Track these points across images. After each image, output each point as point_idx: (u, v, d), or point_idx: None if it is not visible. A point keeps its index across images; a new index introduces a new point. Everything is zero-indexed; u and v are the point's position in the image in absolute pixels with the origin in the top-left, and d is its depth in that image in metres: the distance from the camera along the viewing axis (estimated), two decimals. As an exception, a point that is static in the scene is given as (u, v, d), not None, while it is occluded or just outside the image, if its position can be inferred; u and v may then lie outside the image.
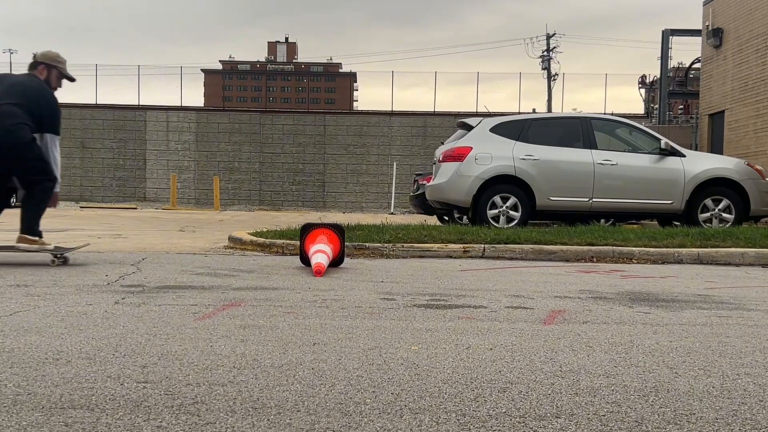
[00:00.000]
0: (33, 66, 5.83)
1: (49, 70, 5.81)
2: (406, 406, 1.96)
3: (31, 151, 5.59)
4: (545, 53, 42.62)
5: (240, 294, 4.00)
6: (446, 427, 1.79)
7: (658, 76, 28.98)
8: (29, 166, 5.64)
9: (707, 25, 22.01)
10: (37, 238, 5.63)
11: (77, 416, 1.81)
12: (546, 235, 7.21)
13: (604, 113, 24.22)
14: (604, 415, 1.90)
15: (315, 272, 4.87)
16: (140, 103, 34.24)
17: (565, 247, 6.75)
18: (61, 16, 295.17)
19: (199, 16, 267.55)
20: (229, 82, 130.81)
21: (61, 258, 5.47)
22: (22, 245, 5.57)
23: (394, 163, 30.58)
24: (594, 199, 9.63)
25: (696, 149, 20.80)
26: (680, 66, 33.62)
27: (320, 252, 5.14)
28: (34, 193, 5.76)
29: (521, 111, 31.03)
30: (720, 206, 9.67)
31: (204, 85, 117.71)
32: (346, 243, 5.69)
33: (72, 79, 6.02)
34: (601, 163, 9.62)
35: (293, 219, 15.31)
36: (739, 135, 20.16)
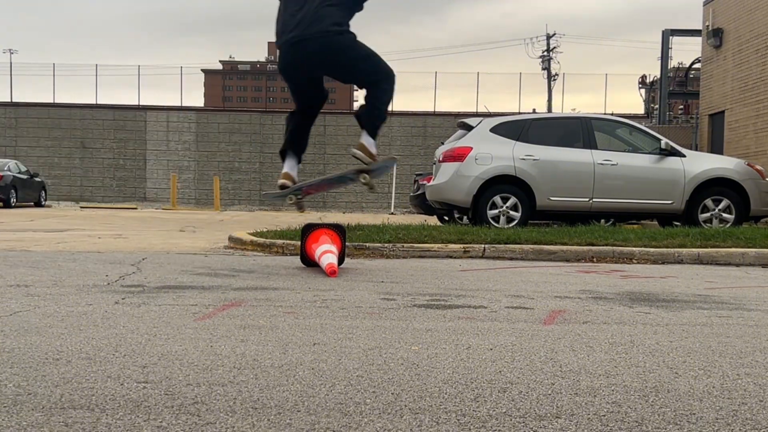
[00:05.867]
0: None
1: None
2: (406, 406, 1.96)
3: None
4: (545, 53, 42.62)
5: (240, 294, 4.00)
6: (446, 427, 1.79)
7: (658, 76, 28.98)
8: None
9: (707, 25, 22.00)
10: (375, 153, 5.12)
11: (77, 416, 1.81)
12: (546, 235, 7.21)
13: (604, 113, 24.22)
14: (604, 415, 1.90)
15: (329, 273, 4.87)
16: (140, 103, 34.25)
17: (565, 247, 6.75)
18: (60, 16, 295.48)
19: (200, 15, 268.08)
20: (229, 83, 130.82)
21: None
22: (358, 153, 5.10)
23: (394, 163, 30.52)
24: (594, 199, 9.63)
25: (696, 149, 20.80)
26: (680, 66, 33.60)
27: (328, 252, 5.15)
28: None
29: (521, 111, 31.04)
30: (720, 206, 9.68)
31: (204, 86, 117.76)
32: (346, 243, 5.69)
33: None
34: (601, 164, 9.62)
35: (293, 219, 15.30)
36: (739, 135, 20.17)
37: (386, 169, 5.53)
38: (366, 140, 5.14)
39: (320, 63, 5.06)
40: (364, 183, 5.13)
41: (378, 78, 5.17)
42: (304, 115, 5.52)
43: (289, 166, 5.48)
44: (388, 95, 5.22)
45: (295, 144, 5.50)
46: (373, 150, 5.11)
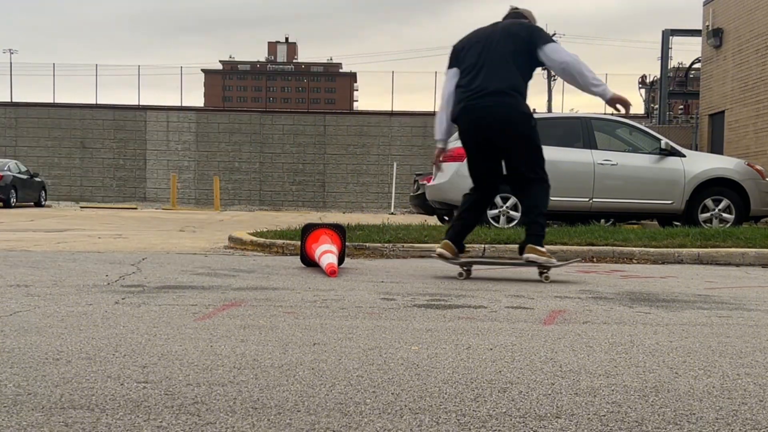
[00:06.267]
0: (516, 17, 5.18)
1: None
2: (406, 406, 1.96)
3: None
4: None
5: (240, 294, 4.00)
6: (446, 427, 1.79)
7: (658, 76, 28.99)
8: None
9: (707, 25, 22.00)
10: (545, 249, 4.98)
11: (77, 416, 1.81)
12: (546, 235, 7.20)
13: (604, 113, 24.23)
14: (604, 415, 1.90)
15: (329, 273, 4.87)
16: (140, 103, 34.27)
17: (565, 247, 6.75)
18: (61, 16, 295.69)
19: (200, 15, 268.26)
20: (229, 83, 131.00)
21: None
22: (531, 256, 4.91)
23: (394, 163, 30.58)
24: (594, 199, 9.64)
25: (696, 149, 20.80)
26: (680, 66, 33.62)
27: (329, 252, 5.15)
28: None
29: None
30: (720, 206, 9.68)
31: (204, 85, 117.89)
32: (346, 243, 5.69)
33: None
34: (601, 164, 9.62)
35: (293, 219, 15.31)
36: (739, 135, 20.17)
37: (566, 263, 5.34)
38: (536, 247, 4.94)
39: (499, 126, 4.90)
40: (544, 280, 4.94)
41: (539, 176, 5.02)
42: (477, 191, 5.26)
43: (452, 238, 5.15)
44: (545, 201, 5.08)
45: (460, 222, 5.20)
46: (544, 249, 4.98)
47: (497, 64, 4.91)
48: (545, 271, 4.98)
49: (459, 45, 5.20)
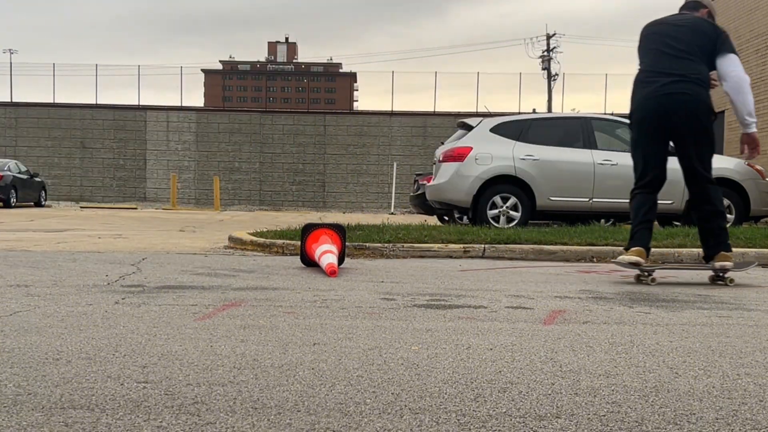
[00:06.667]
0: (695, 6, 5.14)
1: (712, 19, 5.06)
2: (406, 406, 1.96)
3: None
4: (545, 53, 42.63)
5: (240, 294, 4.00)
6: (446, 427, 1.79)
7: (658, 76, 28.92)
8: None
9: (707, 25, 21.95)
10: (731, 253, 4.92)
11: (77, 416, 1.81)
12: (546, 235, 7.21)
13: (604, 113, 24.23)
14: (604, 415, 1.90)
15: (329, 273, 4.87)
16: (140, 103, 34.26)
17: (565, 247, 6.75)
18: (60, 16, 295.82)
19: (200, 15, 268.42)
20: (229, 82, 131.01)
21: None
22: (727, 264, 4.88)
23: (394, 163, 30.58)
24: (594, 199, 9.63)
25: (696, 149, 20.74)
26: (680, 66, 33.44)
27: (329, 252, 5.15)
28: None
29: (521, 111, 31.04)
30: (720, 206, 9.66)
31: (204, 85, 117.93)
32: (346, 243, 5.70)
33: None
34: (601, 163, 9.62)
35: (293, 219, 15.32)
36: (739, 135, 20.13)
37: (747, 266, 5.32)
38: (729, 254, 4.92)
39: (686, 115, 4.85)
40: (729, 283, 4.92)
41: (710, 176, 4.99)
42: (648, 187, 5.22)
43: (643, 243, 4.96)
44: (722, 203, 5.02)
45: (648, 225, 5.05)
46: (729, 252, 4.96)
47: (687, 54, 4.88)
48: (724, 274, 4.93)
49: (644, 32, 5.18)
